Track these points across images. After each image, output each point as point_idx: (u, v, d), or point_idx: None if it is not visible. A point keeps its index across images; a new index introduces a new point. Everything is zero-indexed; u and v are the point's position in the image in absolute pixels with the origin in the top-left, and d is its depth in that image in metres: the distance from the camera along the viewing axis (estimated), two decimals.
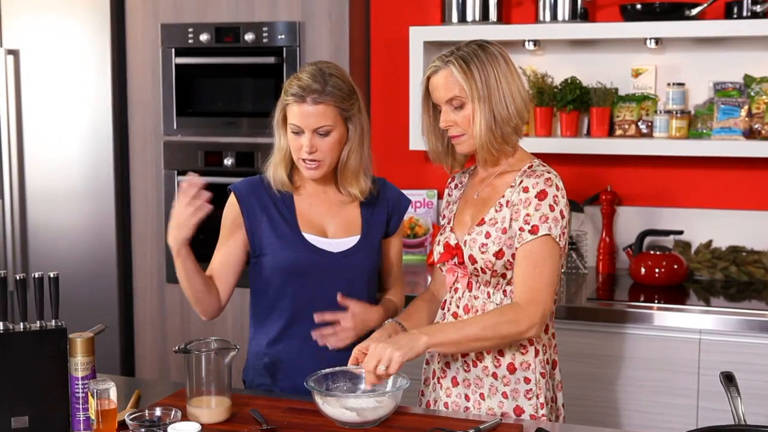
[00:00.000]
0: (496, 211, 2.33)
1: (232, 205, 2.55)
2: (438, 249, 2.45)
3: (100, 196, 4.16)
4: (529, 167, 2.35)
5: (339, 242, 2.52)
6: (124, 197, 4.19)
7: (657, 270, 3.57)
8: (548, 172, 2.32)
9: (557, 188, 2.29)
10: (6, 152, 4.20)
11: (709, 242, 3.75)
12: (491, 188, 2.39)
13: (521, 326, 2.23)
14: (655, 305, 3.30)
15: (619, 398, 3.29)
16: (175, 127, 4.09)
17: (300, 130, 2.41)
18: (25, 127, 4.21)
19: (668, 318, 3.22)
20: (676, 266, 3.58)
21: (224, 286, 2.56)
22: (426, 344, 2.20)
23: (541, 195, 2.27)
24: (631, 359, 3.26)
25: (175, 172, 4.10)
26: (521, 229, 2.27)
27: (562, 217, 2.28)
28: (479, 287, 2.37)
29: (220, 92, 4.07)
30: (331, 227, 2.53)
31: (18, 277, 2.16)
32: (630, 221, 3.87)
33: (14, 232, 4.25)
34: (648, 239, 3.77)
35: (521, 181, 2.31)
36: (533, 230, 2.26)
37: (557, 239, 2.27)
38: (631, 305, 3.32)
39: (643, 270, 3.59)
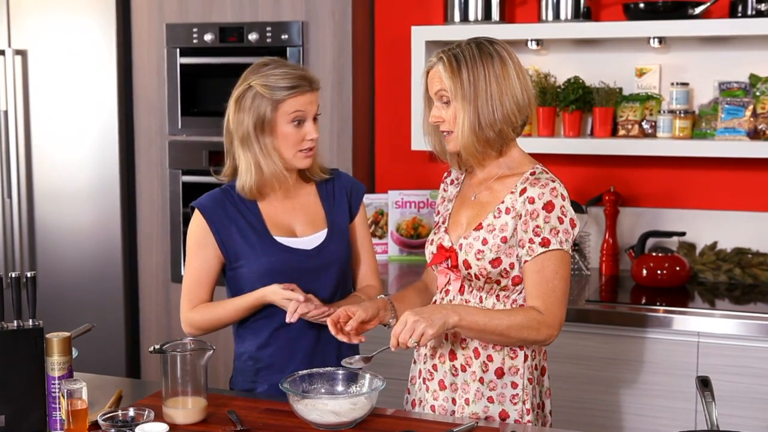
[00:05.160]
0: (495, 217, 2.28)
1: (197, 221, 2.53)
2: (431, 249, 2.41)
3: (106, 195, 4.19)
4: (532, 174, 2.29)
5: (309, 239, 2.54)
6: (129, 196, 4.22)
7: (659, 272, 3.53)
8: (552, 181, 2.26)
9: (563, 197, 2.25)
10: (14, 152, 4.24)
11: (714, 244, 3.71)
12: (490, 192, 2.34)
13: (541, 335, 2.23)
14: (653, 308, 3.25)
15: (617, 401, 3.25)
16: (179, 126, 4.10)
17: (304, 118, 2.45)
18: (32, 127, 4.25)
19: (666, 321, 3.18)
20: (678, 268, 3.54)
21: (199, 302, 2.59)
22: (455, 324, 2.18)
23: (549, 207, 2.23)
24: (630, 362, 3.23)
25: (180, 171, 4.11)
26: (531, 241, 2.23)
27: (572, 226, 2.25)
28: (471, 291, 2.33)
29: (224, 92, 4.02)
30: (299, 226, 2.56)
31: None
32: (634, 222, 3.84)
33: (22, 231, 4.28)
34: (652, 241, 3.73)
35: (524, 189, 2.26)
36: (544, 243, 2.22)
37: (568, 250, 2.25)
38: (630, 308, 3.28)
39: (644, 272, 3.55)
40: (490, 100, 2.23)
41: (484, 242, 2.27)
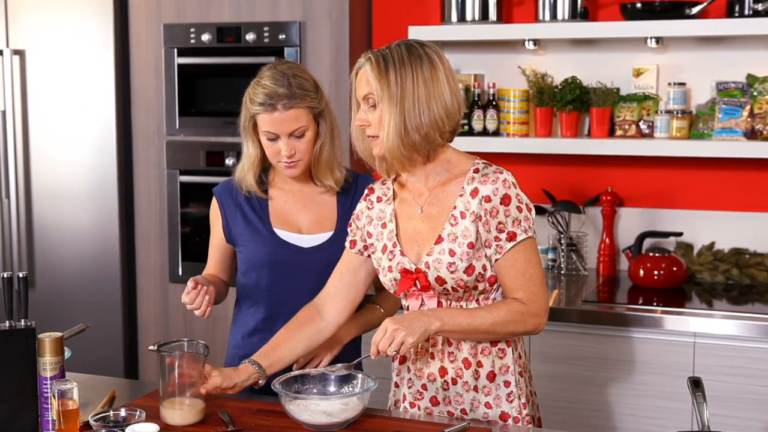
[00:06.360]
0: (452, 225, 2.22)
1: (213, 204, 2.64)
2: (391, 276, 2.29)
3: (104, 195, 4.19)
4: (475, 171, 2.24)
5: (311, 238, 2.55)
6: (127, 196, 4.22)
7: (656, 272, 3.52)
8: (500, 173, 2.22)
9: (514, 186, 2.21)
10: (12, 152, 4.24)
11: (712, 244, 3.70)
12: (436, 200, 2.27)
13: (528, 326, 2.22)
14: (650, 308, 3.25)
15: (612, 401, 3.25)
16: (177, 126, 4.10)
17: (275, 137, 2.44)
18: (30, 127, 4.25)
19: (663, 321, 3.18)
20: (675, 268, 3.53)
21: (225, 273, 2.68)
22: (438, 329, 2.15)
23: (505, 200, 2.19)
24: (626, 362, 3.22)
25: (178, 171, 4.11)
26: (497, 239, 2.19)
27: (529, 210, 2.22)
28: (450, 304, 2.27)
29: (222, 92, 4.08)
30: (306, 223, 2.56)
31: None
32: (631, 222, 3.83)
33: (20, 231, 4.29)
34: (650, 241, 3.73)
35: (475, 190, 2.20)
36: (511, 237, 2.19)
37: (533, 235, 2.23)
38: (627, 308, 3.28)
39: (641, 272, 3.55)
40: (417, 103, 2.16)
41: (452, 253, 2.21)
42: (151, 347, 2.29)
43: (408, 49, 2.20)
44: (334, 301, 2.42)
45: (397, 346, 2.10)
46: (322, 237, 2.55)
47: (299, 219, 2.57)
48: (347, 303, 2.43)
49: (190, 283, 2.33)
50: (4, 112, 4.23)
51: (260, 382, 2.33)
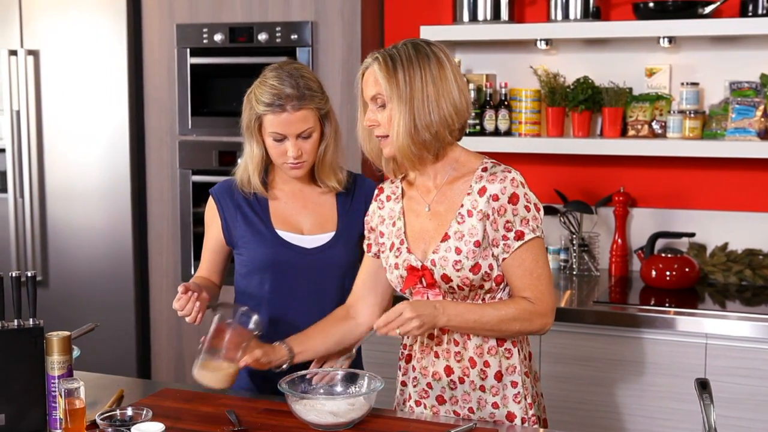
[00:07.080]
0: (459, 223, 2.23)
1: (210, 205, 2.62)
2: (397, 273, 2.30)
3: (117, 195, 4.21)
4: (483, 170, 2.24)
5: (313, 238, 2.55)
6: (140, 196, 4.23)
7: (668, 273, 3.51)
8: (509, 172, 2.22)
9: (523, 185, 2.22)
10: (26, 151, 4.26)
11: (725, 245, 3.68)
12: (444, 198, 2.28)
13: (534, 326, 2.22)
14: (662, 309, 3.23)
15: (623, 403, 3.23)
16: (190, 126, 4.11)
17: (282, 137, 2.44)
18: (44, 127, 4.27)
19: (675, 322, 3.16)
20: (687, 269, 3.51)
21: (218, 276, 2.66)
22: (445, 324, 2.17)
23: (513, 199, 2.19)
24: (637, 363, 3.21)
25: (190, 171, 4.12)
26: (505, 238, 2.20)
27: (538, 210, 2.23)
28: (456, 302, 2.28)
29: (234, 92, 4.04)
30: (307, 224, 2.56)
31: None
32: (644, 223, 3.81)
33: (34, 230, 4.31)
34: (663, 242, 3.71)
35: (483, 188, 2.21)
36: (519, 236, 2.19)
37: (541, 235, 2.23)
38: (639, 309, 3.26)
39: (654, 273, 3.53)
40: (427, 101, 2.16)
41: (458, 251, 2.21)
42: (210, 304, 2.35)
43: (415, 48, 2.21)
44: (362, 303, 2.46)
45: (404, 332, 2.12)
46: (324, 238, 2.55)
47: (300, 220, 2.57)
48: (375, 305, 2.46)
49: (180, 289, 2.32)
50: (18, 112, 4.25)
51: (284, 366, 2.35)
